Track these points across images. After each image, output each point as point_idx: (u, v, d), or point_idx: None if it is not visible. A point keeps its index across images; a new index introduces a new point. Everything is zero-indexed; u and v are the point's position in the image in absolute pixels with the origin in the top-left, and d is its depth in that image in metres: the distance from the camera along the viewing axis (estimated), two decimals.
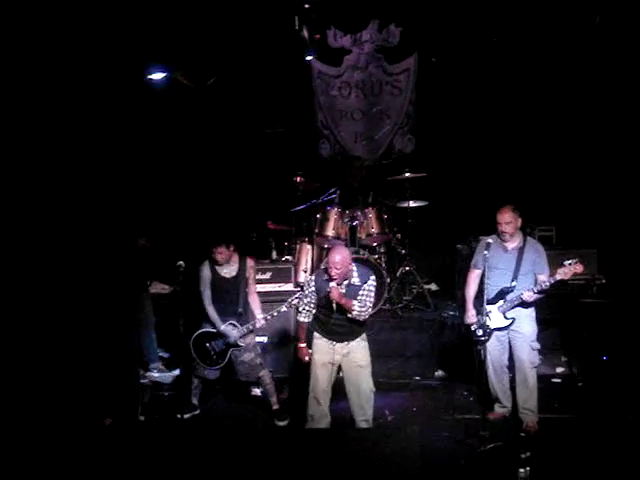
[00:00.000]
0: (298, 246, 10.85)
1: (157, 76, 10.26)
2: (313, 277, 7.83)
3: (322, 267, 8.10)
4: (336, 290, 7.36)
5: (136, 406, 8.60)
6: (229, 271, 8.57)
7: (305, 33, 10.68)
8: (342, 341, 7.65)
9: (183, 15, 10.09)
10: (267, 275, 9.96)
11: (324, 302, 7.56)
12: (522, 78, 11.55)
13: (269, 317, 8.55)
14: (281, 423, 8.57)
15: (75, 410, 8.34)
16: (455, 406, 8.79)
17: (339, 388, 7.84)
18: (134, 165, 10.51)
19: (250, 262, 8.69)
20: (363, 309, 7.49)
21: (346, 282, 7.49)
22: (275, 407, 8.70)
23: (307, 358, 7.81)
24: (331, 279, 7.38)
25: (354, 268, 7.54)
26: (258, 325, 8.53)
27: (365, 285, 7.51)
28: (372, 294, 7.57)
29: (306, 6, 10.37)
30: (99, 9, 9.42)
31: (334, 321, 7.57)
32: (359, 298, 7.48)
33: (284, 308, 8.52)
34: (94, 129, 9.97)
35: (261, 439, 7.92)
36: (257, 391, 9.37)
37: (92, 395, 8.54)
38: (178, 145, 11.39)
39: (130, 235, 9.54)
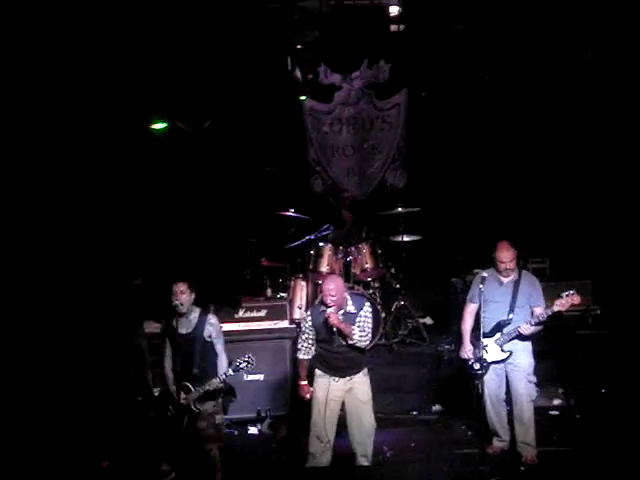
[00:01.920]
0: (292, 283, 10.85)
1: (159, 125, 10.45)
2: (309, 312, 7.85)
3: (317, 301, 8.06)
4: (334, 315, 7.34)
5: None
6: (185, 326, 7.70)
7: (298, 73, 10.78)
8: (345, 376, 7.61)
9: (177, 62, 10.23)
10: (262, 313, 9.93)
11: (323, 334, 7.54)
12: (512, 111, 11.67)
13: (218, 380, 7.60)
14: None
15: (73, 453, 8.32)
16: (454, 441, 8.77)
17: (339, 423, 7.78)
18: (132, 206, 10.52)
19: (212, 319, 7.80)
20: (363, 334, 7.48)
21: (342, 311, 7.49)
22: None
23: (308, 396, 7.75)
24: (327, 307, 7.37)
25: (348, 297, 7.57)
26: (209, 388, 7.57)
27: (361, 312, 7.53)
28: (370, 319, 7.57)
29: (298, 47, 10.50)
30: (99, 60, 9.62)
31: (336, 353, 7.54)
32: (357, 324, 7.48)
33: (230, 371, 7.61)
34: (94, 174, 10.04)
35: (261, 477, 7.94)
36: (254, 430, 9.35)
37: (90, 436, 8.52)
38: (175, 186, 11.42)
39: (125, 274, 9.55)
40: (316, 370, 7.73)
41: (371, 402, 7.77)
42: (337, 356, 7.56)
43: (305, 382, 7.83)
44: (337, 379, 7.61)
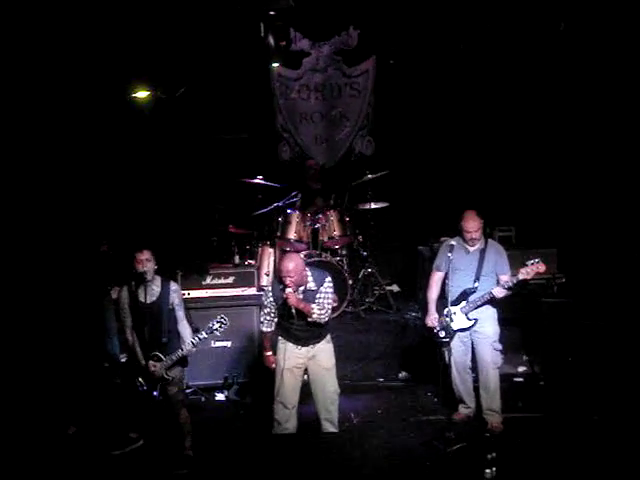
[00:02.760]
0: (260, 250, 10.85)
1: (141, 94, 10.51)
2: (269, 288, 7.84)
3: (276, 277, 8.03)
4: (292, 296, 7.34)
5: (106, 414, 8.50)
6: (149, 296, 7.59)
7: (271, 40, 10.73)
8: (307, 345, 7.66)
9: (150, 28, 10.20)
10: (230, 279, 9.89)
11: (282, 310, 7.56)
12: (479, 79, 11.68)
13: (190, 346, 7.59)
14: (179, 471, 7.50)
15: (39, 417, 8.30)
16: (420, 407, 8.83)
17: (305, 390, 7.83)
18: (97, 171, 10.44)
19: (173, 286, 7.75)
20: (322, 311, 7.49)
21: (302, 288, 7.50)
22: (187, 452, 7.73)
23: (273, 366, 7.78)
24: (286, 287, 7.37)
25: (308, 273, 7.55)
26: (181, 354, 7.57)
27: (322, 288, 7.53)
28: (330, 295, 7.58)
29: (271, 13, 10.44)
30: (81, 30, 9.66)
31: (296, 327, 7.58)
32: (317, 301, 7.49)
33: (204, 334, 7.61)
34: (56, 142, 9.97)
35: (228, 446, 7.96)
36: (221, 396, 9.36)
37: (56, 402, 8.50)
38: (142, 152, 11.33)
39: (92, 241, 9.48)
40: (279, 337, 7.76)
41: (334, 369, 7.81)
42: (298, 328, 7.59)
43: (270, 353, 7.87)
44: (300, 347, 7.66)
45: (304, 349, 7.66)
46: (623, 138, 10.27)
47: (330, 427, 7.78)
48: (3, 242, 9.21)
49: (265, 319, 7.73)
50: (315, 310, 7.45)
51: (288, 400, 7.65)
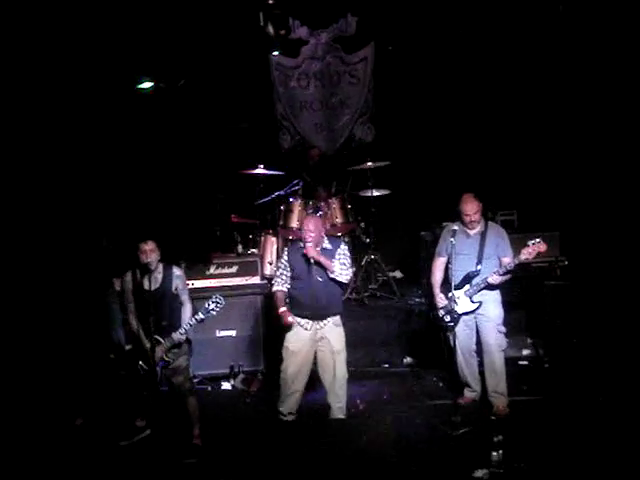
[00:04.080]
0: (263, 239, 10.84)
1: (146, 85, 10.57)
2: (287, 249, 8.10)
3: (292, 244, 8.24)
4: (312, 248, 7.61)
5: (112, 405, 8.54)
6: (153, 283, 7.64)
7: (270, 29, 10.73)
8: (318, 318, 7.74)
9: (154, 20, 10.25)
10: (233, 269, 9.92)
11: (299, 269, 7.75)
12: (479, 64, 11.64)
13: (187, 327, 7.63)
14: (187, 460, 7.49)
15: (47, 409, 8.34)
16: (425, 392, 8.88)
17: (313, 376, 7.94)
18: (98, 163, 10.45)
19: (177, 271, 7.86)
20: (344, 267, 7.73)
21: (318, 248, 7.72)
22: (195, 441, 7.78)
23: (290, 319, 7.80)
24: (306, 243, 7.63)
25: (325, 237, 7.85)
26: (176, 338, 7.58)
27: (339, 249, 7.79)
28: (348, 256, 7.85)
29: (270, 2, 10.45)
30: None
31: (310, 290, 7.69)
32: (338, 258, 7.73)
33: (201, 315, 7.62)
34: (56, 136, 10.00)
35: (236, 434, 7.99)
36: (227, 385, 9.40)
37: (63, 394, 8.54)
38: (142, 143, 11.33)
39: (95, 233, 9.51)
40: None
41: (344, 353, 7.89)
42: (311, 293, 7.69)
43: (284, 308, 7.89)
44: (309, 323, 7.73)
45: (313, 328, 7.75)
46: (625, 122, 10.25)
47: (339, 413, 7.86)
48: (6, 237, 9.23)
49: (277, 280, 7.93)
50: (336, 265, 7.68)
51: (290, 380, 7.78)
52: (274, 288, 7.98)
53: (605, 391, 8.28)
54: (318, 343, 7.78)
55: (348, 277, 7.83)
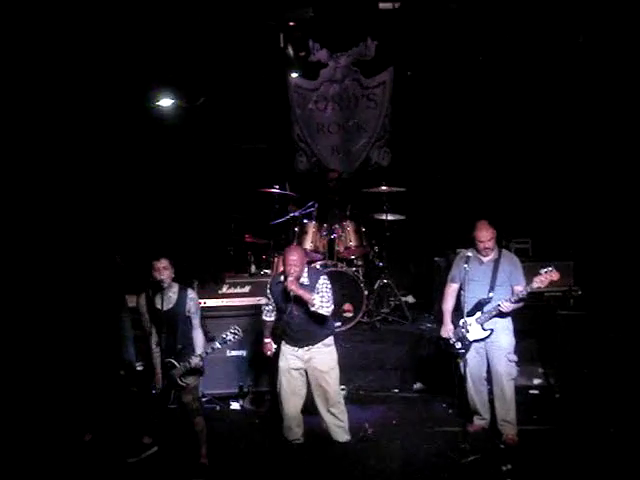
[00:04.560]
0: (276, 259, 10.84)
1: (165, 102, 10.72)
2: (269, 281, 8.12)
3: (276, 275, 8.23)
4: (293, 282, 7.53)
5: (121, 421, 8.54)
6: (166, 303, 7.65)
7: (290, 50, 10.81)
8: (303, 346, 7.79)
9: (172, 38, 10.33)
10: (246, 289, 9.95)
11: (280, 303, 7.78)
12: (497, 91, 11.66)
13: (204, 355, 7.64)
14: (194, 479, 7.56)
15: (56, 424, 8.34)
16: (434, 418, 8.82)
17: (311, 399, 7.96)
18: (114, 180, 10.50)
19: (191, 294, 7.81)
20: (324, 300, 7.63)
21: (301, 280, 7.68)
22: (202, 460, 7.76)
23: (269, 353, 8.04)
24: (288, 277, 7.56)
25: (305, 270, 7.76)
26: (193, 364, 7.58)
27: (318, 283, 7.69)
28: (329, 288, 7.73)
29: (291, 24, 10.52)
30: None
31: (294, 324, 7.73)
32: (317, 292, 7.64)
33: (217, 344, 7.65)
34: (71, 155, 10.07)
35: (243, 455, 7.97)
36: (236, 405, 9.38)
37: (73, 410, 8.54)
38: (159, 162, 11.38)
39: (108, 251, 9.54)
40: (281, 340, 7.96)
41: (334, 371, 7.92)
42: (295, 327, 7.75)
43: (268, 340, 8.11)
44: (297, 349, 7.81)
45: (300, 351, 7.80)
46: None
47: (340, 433, 7.87)
48: (20, 253, 9.27)
49: (264, 309, 8.05)
50: (317, 299, 7.59)
51: (286, 402, 7.82)
52: (263, 317, 8.11)
53: (616, 423, 8.22)
54: (306, 364, 7.83)
55: (329, 310, 7.70)
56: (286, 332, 7.85)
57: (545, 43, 11.07)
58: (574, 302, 9.73)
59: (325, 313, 7.65)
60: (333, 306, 7.81)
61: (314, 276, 7.77)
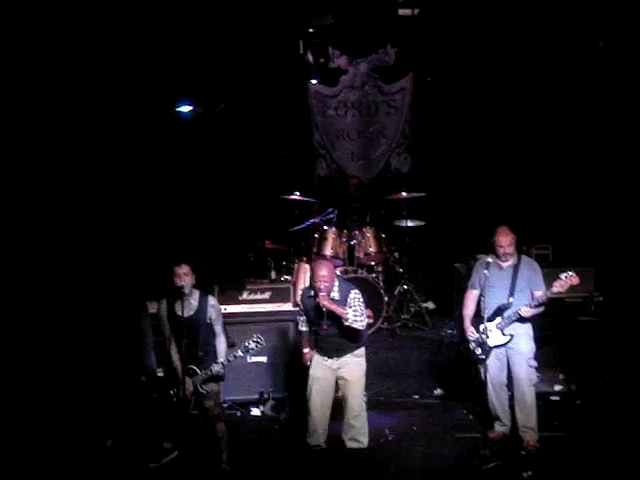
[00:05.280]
0: (296, 265, 10.89)
1: (185, 109, 10.76)
2: (300, 293, 8.13)
3: (306, 286, 8.20)
4: (325, 298, 7.41)
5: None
6: (186, 310, 7.64)
7: (310, 57, 10.85)
8: (333, 356, 7.72)
9: (192, 45, 10.41)
10: (266, 295, 9.95)
11: (312, 317, 7.69)
12: (517, 97, 11.67)
13: (225, 362, 7.64)
14: None
15: (78, 432, 8.39)
16: (455, 425, 8.78)
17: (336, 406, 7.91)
18: (135, 187, 10.57)
19: (212, 300, 7.82)
20: (357, 314, 7.50)
21: (332, 294, 7.56)
22: (223, 466, 7.76)
23: (308, 363, 7.93)
24: (319, 292, 7.44)
25: (336, 283, 7.62)
26: (214, 371, 7.59)
27: (349, 297, 7.56)
28: (361, 301, 7.60)
29: (310, 30, 10.56)
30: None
31: (325, 336, 7.65)
32: (350, 305, 7.51)
33: (240, 352, 7.67)
34: (99, 152, 10.14)
35: (264, 461, 7.98)
36: (257, 411, 9.40)
37: (94, 415, 8.58)
38: (180, 168, 11.45)
39: (127, 258, 9.60)
40: (314, 349, 7.92)
41: (360, 383, 7.83)
42: (327, 339, 7.68)
43: (307, 350, 8.05)
44: (327, 358, 7.75)
45: (329, 360, 7.74)
46: None
47: (353, 444, 7.78)
48: (40, 260, 9.33)
49: (300, 319, 8.03)
50: (350, 314, 7.47)
51: (314, 409, 7.74)
52: (299, 327, 8.11)
53: (638, 429, 8.18)
54: (336, 372, 7.78)
55: (363, 324, 7.60)
56: (318, 343, 7.81)
57: (564, 49, 11.05)
58: (595, 308, 9.69)
59: (359, 327, 7.56)
60: (367, 320, 7.75)
61: (345, 289, 7.65)
